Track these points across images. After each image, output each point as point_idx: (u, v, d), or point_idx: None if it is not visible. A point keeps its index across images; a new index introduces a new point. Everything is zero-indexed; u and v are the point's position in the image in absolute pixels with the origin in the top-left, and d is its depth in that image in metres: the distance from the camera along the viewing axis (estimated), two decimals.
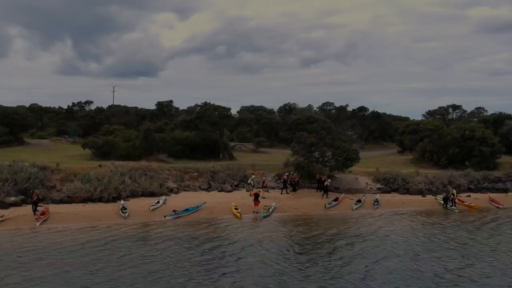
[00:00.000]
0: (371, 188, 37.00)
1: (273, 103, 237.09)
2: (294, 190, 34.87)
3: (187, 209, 28.48)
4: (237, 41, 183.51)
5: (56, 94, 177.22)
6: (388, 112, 77.38)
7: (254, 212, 28.51)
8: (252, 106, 76.07)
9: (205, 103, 51.11)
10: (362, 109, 64.64)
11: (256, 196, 28.96)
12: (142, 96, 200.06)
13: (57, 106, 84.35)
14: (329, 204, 31.09)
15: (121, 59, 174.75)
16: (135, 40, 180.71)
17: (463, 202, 32.96)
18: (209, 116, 40.64)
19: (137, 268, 17.63)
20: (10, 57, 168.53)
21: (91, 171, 32.35)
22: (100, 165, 34.78)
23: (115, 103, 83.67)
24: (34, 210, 26.13)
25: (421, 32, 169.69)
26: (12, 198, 28.38)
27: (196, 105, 54.12)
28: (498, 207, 32.40)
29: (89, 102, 70.94)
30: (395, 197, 34.75)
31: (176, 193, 34.44)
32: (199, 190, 35.64)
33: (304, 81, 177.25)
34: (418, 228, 26.20)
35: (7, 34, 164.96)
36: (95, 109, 68.18)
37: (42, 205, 27.41)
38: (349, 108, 70.61)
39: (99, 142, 41.35)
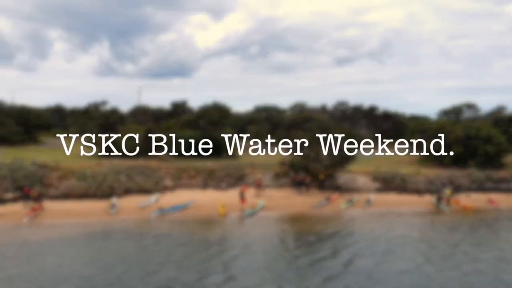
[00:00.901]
0: (368, 187, 36.57)
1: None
2: (306, 189, 34.61)
3: (174, 207, 28.91)
4: (270, 41, 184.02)
5: (93, 94, 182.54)
6: (421, 111, 75.55)
7: (240, 210, 28.71)
8: (266, 105, 76.06)
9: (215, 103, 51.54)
10: (373, 108, 63.59)
11: (241, 194, 29.12)
12: (176, 96, 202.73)
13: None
14: (319, 203, 30.89)
15: (156, 60, 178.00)
16: (169, 41, 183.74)
17: (458, 202, 32.19)
18: (209, 116, 40.96)
19: (96, 261, 18.22)
20: (50, 59, 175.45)
21: (87, 169, 33.23)
22: (98, 164, 35.63)
23: (145, 104, 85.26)
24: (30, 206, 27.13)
25: (457, 29, 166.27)
26: (10, 195, 29.51)
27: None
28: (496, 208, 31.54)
29: (105, 103, 72.66)
30: (391, 197, 34.26)
31: (172, 191, 34.99)
32: (195, 188, 36.10)
33: (338, 80, 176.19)
34: (396, 227, 25.85)
35: (48, 37, 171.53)
36: (111, 110, 69.64)
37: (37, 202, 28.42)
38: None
39: (102, 141, 42.36)
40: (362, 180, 37.60)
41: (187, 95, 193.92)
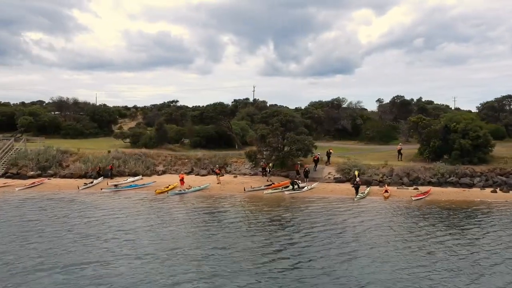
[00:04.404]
0: (329, 177, 38.93)
1: (480, 95, 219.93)
2: (265, 175, 39.17)
3: (130, 185, 35.94)
4: (438, 32, 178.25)
5: (259, 93, 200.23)
6: None
7: (179, 190, 34.55)
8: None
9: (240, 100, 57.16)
10: (404, 102, 62.15)
11: (181, 179, 34.93)
12: (339, 93, 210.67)
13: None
14: (252, 188, 34.96)
15: (319, 58, 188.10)
16: (332, 38, 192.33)
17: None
18: (209, 112, 47.05)
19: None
20: (223, 62, 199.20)
21: (90, 154, 42.24)
22: (109, 151, 44.37)
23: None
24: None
25: None
26: (31, 172, 39.77)
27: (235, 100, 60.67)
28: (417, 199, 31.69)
29: (175, 101, 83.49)
30: (331, 185, 36.35)
31: (160, 175, 42.05)
32: (183, 173, 42.59)
33: None
34: (299, 209, 28.71)
35: (221, 42, 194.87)
36: (176, 107, 79.89)
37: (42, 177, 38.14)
38: None
39: (128, 133, 51.50)
40: (328, 171, 40.04)
41: (350, 91, 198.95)
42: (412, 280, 16.43)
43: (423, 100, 71.66)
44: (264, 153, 39.16)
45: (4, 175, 39.08)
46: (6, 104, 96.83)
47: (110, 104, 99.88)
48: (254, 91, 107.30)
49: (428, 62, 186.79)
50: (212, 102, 51.16)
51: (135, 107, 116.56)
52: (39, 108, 72.52)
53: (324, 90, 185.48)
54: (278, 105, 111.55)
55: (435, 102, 78.98)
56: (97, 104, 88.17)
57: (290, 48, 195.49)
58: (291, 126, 39.47)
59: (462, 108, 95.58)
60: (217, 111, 46.49)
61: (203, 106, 56.85)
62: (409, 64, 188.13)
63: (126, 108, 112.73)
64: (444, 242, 21.31)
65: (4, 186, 35.29)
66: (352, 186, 33.24)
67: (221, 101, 52.62)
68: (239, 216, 27.06)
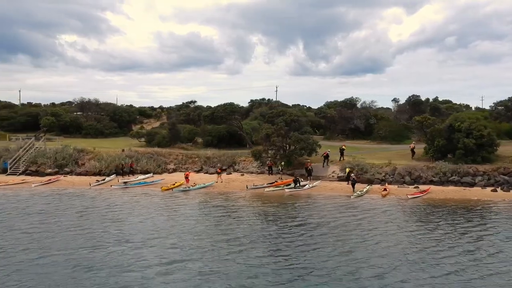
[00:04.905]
0: (332, 176, 39.69)
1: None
2: (271, 173, 40.31)
3: (139, 183, 37.67)
4: (471, 30, 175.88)
5: (289, 93, 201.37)
6: None
7: (184, 187, 36.11)
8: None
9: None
10: (417, 102, 61.92)
11: (186, 176, 36.44)
12: (369, 92, 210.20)
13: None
14: (254, 186, 36.12)
15: (348, 57, 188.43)
16: (362, 37, 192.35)
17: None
18: (219, 112, 48.45)
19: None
20: (252, 62, 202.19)
21: (104, 153, 44.26)
22: (123, 150, 46.33)
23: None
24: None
25: None
26: (49, 170, 42.06)
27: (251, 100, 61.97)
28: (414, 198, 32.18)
29: (194, 102, 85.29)
30: (334, 184, 37.13)
31: (171, 173, 43.71)
32: (191, 171, 44.13)
33: None
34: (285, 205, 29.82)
35: (250, 42, 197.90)
36: (194, 107, 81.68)
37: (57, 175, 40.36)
38: None
39: (143, 133, 53.48)
40: (332, 169, 40.79)
41: (381, 90, 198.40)
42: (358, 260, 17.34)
43: (440, 99, 71.28)
44: (269, 152, 40.15)
45: (24, 172, 41.48)
46: (37, 105, 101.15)
47: (141, 105, 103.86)
48: (276, 91, 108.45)
49: (461, 60, 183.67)
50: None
51: (160, 107, 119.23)
52: (61, 109, 75.63)
53: (354, 90, 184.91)
54: (301, 104, 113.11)
55: (464, 103, 77.96)
56: (120, 104, 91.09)
57: (320, 47, 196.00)
58: (296, 125, 40.33)
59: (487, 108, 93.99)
60: (227, 111, 47.70)
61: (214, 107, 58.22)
62: (442, 62, 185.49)
63: (152, 108, 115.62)
64: (415, 236, 22.46)
65: (22, 182, 37.61)
66: (348, 183, 34.00)
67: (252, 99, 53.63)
68: (226, 210, 28.62)
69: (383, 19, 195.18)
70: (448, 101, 78.80)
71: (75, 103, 78.79)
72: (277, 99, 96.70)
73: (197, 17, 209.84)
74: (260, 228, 23.93)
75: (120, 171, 41.08)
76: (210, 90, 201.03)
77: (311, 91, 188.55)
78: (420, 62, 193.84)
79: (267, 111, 60.03)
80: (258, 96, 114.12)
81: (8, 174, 40.87)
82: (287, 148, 39.57)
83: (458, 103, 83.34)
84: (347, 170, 37.01)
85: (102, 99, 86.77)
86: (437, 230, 23.49)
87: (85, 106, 74.36)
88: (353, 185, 33.50)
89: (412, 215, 27.35)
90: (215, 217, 26.53)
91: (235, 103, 50.38)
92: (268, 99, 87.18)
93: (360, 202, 30.89)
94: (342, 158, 41.54)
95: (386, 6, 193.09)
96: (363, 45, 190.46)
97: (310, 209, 28.78)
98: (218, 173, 39.18)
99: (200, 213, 27.91)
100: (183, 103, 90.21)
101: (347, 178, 35.26)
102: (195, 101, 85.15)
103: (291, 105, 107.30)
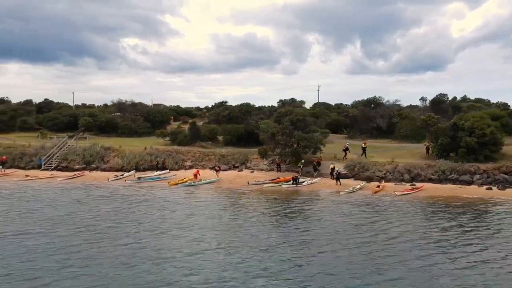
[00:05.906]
0: (335, 173, 41.06)
1: None
2: (279, 170, 42.53)
3: (152, 178, 40.92)
4: None
5: (346, 92, 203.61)
6: None
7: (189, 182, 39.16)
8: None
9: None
10: (438, 101, 61.32)
11: (195, 175, 39.36)
12: (430, 90, 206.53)
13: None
14: (255, 182, 38.33)
15: (407, 54, 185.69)
16: (421, 34, 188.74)
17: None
18: (235, 112, 51.02)
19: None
20: (308, 61, 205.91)
21: (128, 151, 48.02)
22: (145, 148, 49.94)
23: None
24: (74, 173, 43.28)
25: None
26: (77, 166, 46.35)
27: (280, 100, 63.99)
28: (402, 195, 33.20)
29: (224, 102, 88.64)
30: (333, 181, 38.51)
31: (187, 169, 46.77)
32: (206, 168, 46.98)
33: None
34: (278, 200, 31.85)
35: (306, 42, 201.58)
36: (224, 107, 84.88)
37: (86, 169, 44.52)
38: None
39: (168, 132, 57.02)
40: (337, 167, 42.18)
41: (442, 88, 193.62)
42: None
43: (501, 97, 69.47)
44: (276, 150, 42.12)
45: (56, 168, 45.98)
46: (91, 106, 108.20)
47: (199, 105, 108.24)
48: (318, 90, 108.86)
49: None
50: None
51: (206, 107, 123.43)
52: (98, 110, 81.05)
53: (412, 88, 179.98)
54: (344, 104, 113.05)
55: None
56: (153, 105, 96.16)
57: (377, 45, 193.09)
58: (302, 125, 42.09)
59: None
60: (243, 111, 50.13)
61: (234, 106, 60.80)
62: (507, 58, 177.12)
63: (198, 109, 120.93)
64: (386, 231, 23.64)
65: (50, 177, 41.95)
66: (331, 178, 36.79)
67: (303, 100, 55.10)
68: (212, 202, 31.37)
69: (444, 14, 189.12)
70: (482, 100, 76.95)
71: (112, 104, 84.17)
72: (318, 100, 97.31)
73: (253, 18, 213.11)
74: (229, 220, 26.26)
75: (155, 167, 44.59)
76: (266, 90, 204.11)
77: (369, 89, 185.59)
78: (484, 58, 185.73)
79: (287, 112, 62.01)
80: (314, 95, 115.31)
81: (42, 170, 45.48)
82: (292, 146, 41.41)
83: (494, 101, 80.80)
84: (331, 166, 38.55)
85: (164, 100, 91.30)
86: (390, 225, 24.92)
87: (122, 107, 79.35)
88: (337, 179, 35.34)
89: (380, 210, 28.66)
90: (196, 209, 29.09)
91: (251, 103, 52.52)
92: (293, 99, 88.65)
93: (342, 198, 32.57)
94: (365, 155, 43.07)
95: (447, 2, 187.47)
96: (422, 42, 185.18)
97: (289, 203, 31.09)
98: (217, 171, 41.84)
99: (187, 202, 30.82)
100: (215, 103, 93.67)
101: (331, 173, 37.07)
102: (226, 102, 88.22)
103: (333, 104, 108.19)
